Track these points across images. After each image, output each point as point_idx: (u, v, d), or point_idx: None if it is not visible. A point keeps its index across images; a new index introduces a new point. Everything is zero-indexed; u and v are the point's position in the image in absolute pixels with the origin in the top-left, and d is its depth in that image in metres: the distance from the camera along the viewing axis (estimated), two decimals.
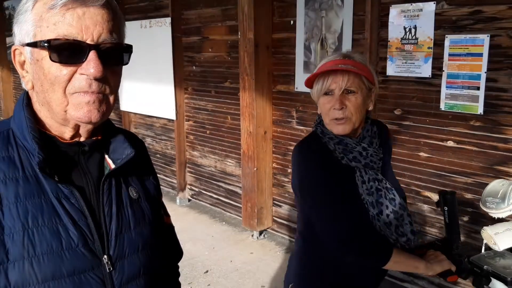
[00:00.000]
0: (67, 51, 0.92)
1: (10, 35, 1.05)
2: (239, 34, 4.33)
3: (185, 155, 5.59)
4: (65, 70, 0.93)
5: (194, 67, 5.23)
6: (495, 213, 1.79)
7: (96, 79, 0.93)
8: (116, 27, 0.98)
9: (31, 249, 0.91)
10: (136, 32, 5.67)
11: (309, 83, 1.70)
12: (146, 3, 5.67)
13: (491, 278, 1.68)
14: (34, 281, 0.91)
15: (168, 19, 5.17)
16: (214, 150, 5.19)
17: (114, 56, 0.97)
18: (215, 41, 4.91)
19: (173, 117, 5.43)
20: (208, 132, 5.22)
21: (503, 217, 1.80)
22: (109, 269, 0.99)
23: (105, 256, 0.99)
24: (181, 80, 5.33)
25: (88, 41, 0.92)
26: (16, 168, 0.95)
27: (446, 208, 1.79)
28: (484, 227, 1.85)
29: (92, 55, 0.92)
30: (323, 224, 1.62)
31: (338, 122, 1.64)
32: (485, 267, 1.69)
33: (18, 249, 0.90)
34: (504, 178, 1.93)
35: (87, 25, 0.92)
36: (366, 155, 1.65)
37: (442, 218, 1.81)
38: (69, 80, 0.93)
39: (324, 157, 1.64)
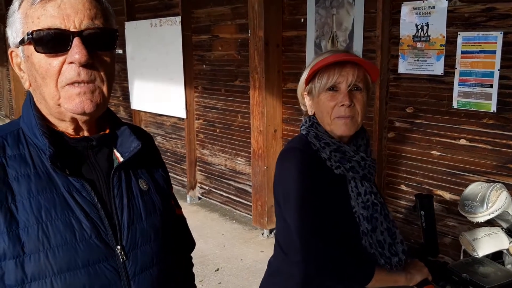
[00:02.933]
0: (52, 41, 0.93)
1: None
2: (249, 32, 4.32)
3: (195, 153, 5.60)
4: (54, 62, 0.94)
5: (204, 66, 5.23)
6: (473, 218, 1.72)
7: (83, 66, 0.94)
8: (100, 15, 0.98)
9: (46, 241, 0.93)
10: (146, 31, 5.69)
11: (310, 76, 1.54)
12: (156, 2, 5.69)
13: (470, 286, 1.60)
14: (50, 272, 0.93)
15: (178, 18, 5.18)
16: (224, 148, 5.20)
17: (99, 41, 0.97)
18: (225, 40, 4.90)
19: (183, 115, 5.44)
20: (218, 130, 5.23)
21: (482, 221, 1.72)
22: (123, 259, 1.01)
23: (118, 247, 1.00)
24: (191, 78, 5.34)
25: (71, 29, 0.94)
26: (28, 165, 0.97)
27: (423, 213, 1.71)
28: (462, 233, 1.77)
29: (75, 41, 0.93)
30: (303, 243, 1.45)
31: (345, 121, 1.49)
32: (463, 275, 1.61)
33: (33, 242, 0.93)
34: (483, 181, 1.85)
35: (68, 14, 0.93)
36: (364, 166, 1.52)
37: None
38: (59, 71, 0.95)
39: (313, 167, 1.48)
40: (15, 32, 0.98)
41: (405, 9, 3.31)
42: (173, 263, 1.14)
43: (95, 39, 0.96)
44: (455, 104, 3.14)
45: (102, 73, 0.98)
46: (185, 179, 5.73)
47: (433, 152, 3.33)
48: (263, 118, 4.35)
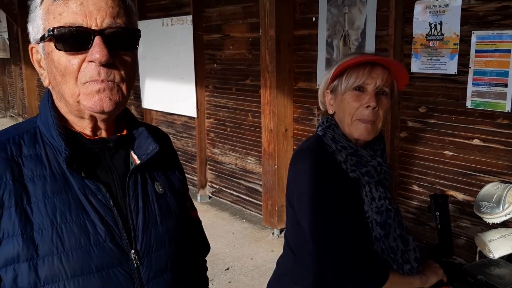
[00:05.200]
0: (72, 39, 0.91)
1: None
2: (260, 31, 4.31)
3: (206, 152, 5.60)
4: (74, 60, 0.93)
5: (215, 65, 5.23)
6: (489, 219, 1.70)
7: (104, 65, 0.92)
8: (122, 14, 0.96)
9: (60, 245, 0.92)
10: (157, 30, 5.70)
11: (337, 73, 1.50)
12: (167, 1, 5.70)
13: None
14: (63, 276, 0.92)
15: (190, 17, 5.18)
16: (235, 147, 5.19)
17: (121, 41, 0.95)
18: (236, 39, 4.90)
19: (194, 114, 5.45)
20: (228, 129, 5.23)
21: (498, 222, 1.70)
22: (137, 263, 0.99)
23: (133, 251, 0.99)
24: (202, 77, 5.34)
25: (93, 27, 0.92)
26: (44, 165, 0.96)
27: (437, 213, 1.69)
28: (478, 234, 1.75)
29: (97, 40, 0.91)
30: (317, 245, 1.44)
31: (366, 125, 1.46)
32: (479, 276, 1.59)
33: (47, 245, 0.91)
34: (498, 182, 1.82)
35: (91, 11, 0.91)
36: (380, 171, 1.49)
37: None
38: (79, 69, 0.93)
39: (327, 169, 1.46)
40: (36, 28, 0.97)
41: (418, 7, 3.28)
42: (187, 268, 1.12)
43: (117, 39, 0.94)
44: (468, 104, 3.10)
45: (122, 72, 0.96)
46: (196, 178, 5.74)
47: (446, 152, 3.30)
48: (274, 117, 4.34)
